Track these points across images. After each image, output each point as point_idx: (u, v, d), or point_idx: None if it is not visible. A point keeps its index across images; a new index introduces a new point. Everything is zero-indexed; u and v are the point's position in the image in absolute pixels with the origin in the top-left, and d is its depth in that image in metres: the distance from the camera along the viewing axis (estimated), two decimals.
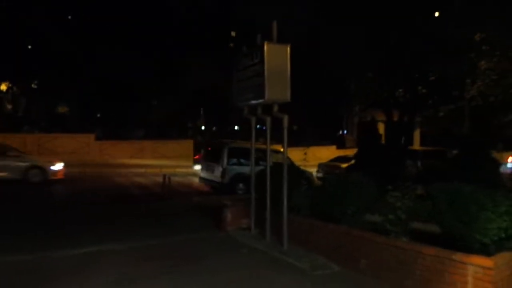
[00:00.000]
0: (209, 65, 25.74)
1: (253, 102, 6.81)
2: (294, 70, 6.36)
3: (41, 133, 26.16)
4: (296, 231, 6.58)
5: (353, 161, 11.87)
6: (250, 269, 5.55)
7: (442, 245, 4.69)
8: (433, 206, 5.08)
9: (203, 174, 14.20)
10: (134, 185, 15.56)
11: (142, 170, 19.80)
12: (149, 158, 25.00)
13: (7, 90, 33.04)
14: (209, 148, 15.20)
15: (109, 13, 26.01)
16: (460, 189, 4.88)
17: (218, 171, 12.82)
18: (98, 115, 35.84)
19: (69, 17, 29.26)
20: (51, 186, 13.94)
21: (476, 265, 4.23)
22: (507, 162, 17.99)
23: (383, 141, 13.57)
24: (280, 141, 6.94)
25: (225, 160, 12.68)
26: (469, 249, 4.54)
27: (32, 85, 32.22)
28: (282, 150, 7.11)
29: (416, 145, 24.07)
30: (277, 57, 6.32)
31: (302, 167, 10.23)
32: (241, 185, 12.53)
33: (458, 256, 4.39)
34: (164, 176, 12.45)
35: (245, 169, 11.97)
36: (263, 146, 8.57)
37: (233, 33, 32.39)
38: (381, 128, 17.49)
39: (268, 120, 6.91)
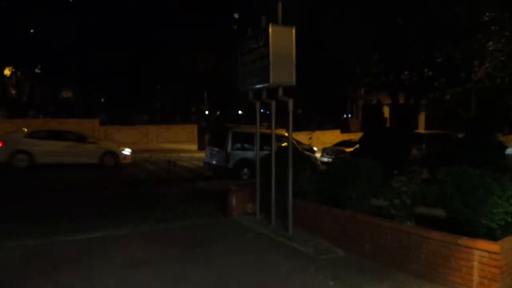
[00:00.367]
0: (211, 47, 25.46)
1: (258, 86, 6.73)
2: (298, 52, 6.25)
3: (46, 118, 26.21)
4: (301, 216, 6.59)
5: (357, 145, 11.80)
6: (255, 254, 5.59)
7: (448, 230, 4.67)
8: (439, 190, 5.03)
9: (207, 159, 14.24)
10: (141, 170, 15.71)
11: (147, 155, 19.90)
12: (154, 142, 25.13)
13: (10, 75, 32.98)
14: (213, 133, 15.20)
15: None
16: (468, 173, 4.82)
17: (222, 156, 12.84)
18: (102, 100, 35.83)
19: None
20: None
21: (482, 250, 4.22)
22: None
23: (388, 125, 13.43)
24: (284, 126, 6.89)
25: (230, 145, 12.68)
26: (475, 234, 4.52)
27: (36, 70, 32.09)
28: (286, 134, 7.06)
29: (421, 129, 23.89)
30: (282, 39, 6.21)
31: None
32: (245, 170, 12.56)
33: (464, 241, 4.37)
34: (169, 161, 12.49)
35: (250, 154, 11.97)
36: (268, 131, 8.53)
37: (236, 15, 31.87)
38: (386, 111, 17.33)
39: (273, 104, 6.83)
